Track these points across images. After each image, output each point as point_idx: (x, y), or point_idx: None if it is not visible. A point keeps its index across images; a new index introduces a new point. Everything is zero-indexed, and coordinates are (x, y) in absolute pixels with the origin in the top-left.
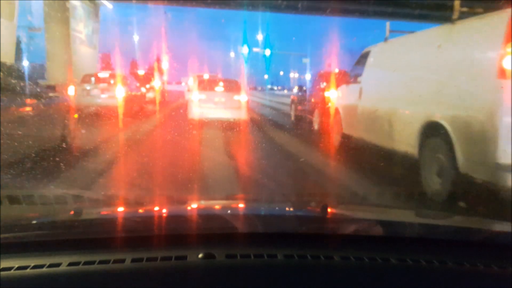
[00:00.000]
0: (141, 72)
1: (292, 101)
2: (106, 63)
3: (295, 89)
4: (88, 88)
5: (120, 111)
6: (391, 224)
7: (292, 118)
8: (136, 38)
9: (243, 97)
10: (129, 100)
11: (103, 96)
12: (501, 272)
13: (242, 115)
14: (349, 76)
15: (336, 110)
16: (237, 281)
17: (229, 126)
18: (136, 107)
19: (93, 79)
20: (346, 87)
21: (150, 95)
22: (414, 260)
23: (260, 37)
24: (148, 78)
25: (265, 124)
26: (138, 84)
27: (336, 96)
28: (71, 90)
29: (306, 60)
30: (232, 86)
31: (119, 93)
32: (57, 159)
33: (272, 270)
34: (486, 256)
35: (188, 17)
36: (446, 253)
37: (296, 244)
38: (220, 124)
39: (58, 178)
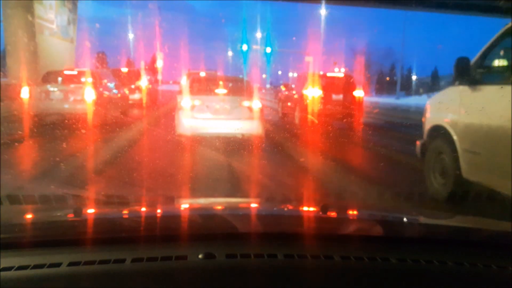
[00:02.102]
0: (124, 69)
1: (280, 99)
2: (88, 60)
3: (282, 88)
4: (49, 89)
5: (89, 120)
6: (391, 224)
7: (280, 114)
8: (126, 33)
9: (255, 103)
10: (103, 105)
11: (67, 100)
12: (501, 272)
13: (254, 128)
14: (471, 71)
15: (434, 130)
16: (237, 281)
17: (237, 147)
18: (114, 113)
19: (57, 78)
20: (468, 92)
21: (136, 96)
22: (414, 260)
23: (260, 34)
24: (134, 76)
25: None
26: (118, 84)
27: (433, 107)
28: (24, 93)
29: (309, 59)
30: (238, 87)
31: (89, 96)
32: None
33: (272, 270)
34: (486, 256)
35: (186, 15)
36: (446, 253)
37: (296, 244)
38: (223, 143)
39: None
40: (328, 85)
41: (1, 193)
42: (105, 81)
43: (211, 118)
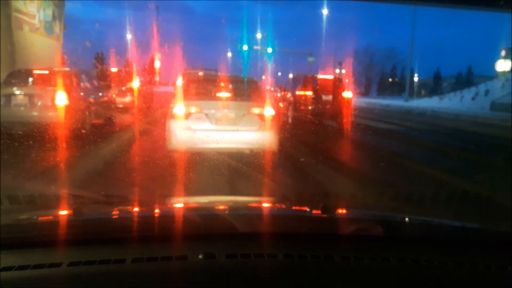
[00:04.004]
0: (113, 69)
1: (275, 100)
2: (77, 60)
3: (277, 89)
4: (11, 93)
5: (59, 131)
6: (391, 224)
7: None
8: (124, 33)
9: (267, 110)
10: (80, 111)
11: (33, 106)
12: (501, 272)
13: (266, 142)
14: None
15: None
16: (237, 281)
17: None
18: (96, 120)
19: (23, 79)
20: None
21: (127, 99)
22: (414, 260)
23: (260, 35)
24: (126, 77)
25: None
26: (104, 86)
27: None
28: None
29: (312, 59)
30: (245, 90)
31: (61, 101)
32: None
33: (272, 270)
34: (486, 256)
35: (185, 15)
36: (446, 253)
37: (296, 244)
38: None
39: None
40: (319, 86)
41: (2, 193)
42: (84, 82)
43: (211, 129)
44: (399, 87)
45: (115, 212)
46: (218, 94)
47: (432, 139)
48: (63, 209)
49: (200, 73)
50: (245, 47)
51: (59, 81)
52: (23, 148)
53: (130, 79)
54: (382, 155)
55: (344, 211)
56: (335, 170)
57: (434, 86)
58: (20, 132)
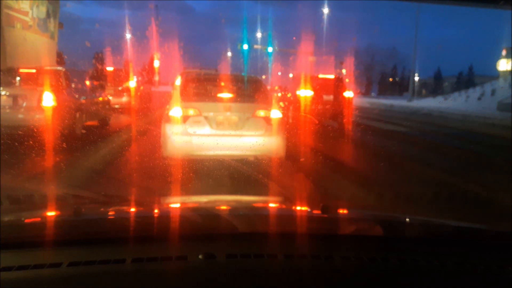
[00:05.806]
0: (109, 68)
1: (275, 100)
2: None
3: (277, 89)
4: None
5: (45, 135)
6: (391, 224)
7: None
8: (123, 33)
9: (274, 113)
10: (70, 113)
11: (18, 107)
12: (501, 272)
13: (273, 148)
14: None
15: None
16: (237, 281)
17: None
18: (86, 120)
19: (8, 78)
20: None
21: (123, 100)
22: (414, 260)
23: (260, 34)
24: (122, 77)
25: None
26: (98, 86)
27: None
28: None
29: (312, 59)
30: (249, 90)
31: (48, 102)
32: None
33: (272, 270)
34: (486, 256)
35: (186, 15)
36: (446, 253)
37: (296, 244)
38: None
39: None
40: (319, 86)
41: (2, 193)
42: (75, 82)
43: (211, 134)
44: (400, 87)
45: (115, 212)
46: (219, 95)
47: (448, 143)
48: (63, 209)
49: (200, 72)
50: (245, 47)
51: (46, 80)
52: (7, 153)
53: (126, 78)
54: (399, 161)
55: (344, 211)
56: (346, 177)
57: (435, 86)
58: (4, 136)
